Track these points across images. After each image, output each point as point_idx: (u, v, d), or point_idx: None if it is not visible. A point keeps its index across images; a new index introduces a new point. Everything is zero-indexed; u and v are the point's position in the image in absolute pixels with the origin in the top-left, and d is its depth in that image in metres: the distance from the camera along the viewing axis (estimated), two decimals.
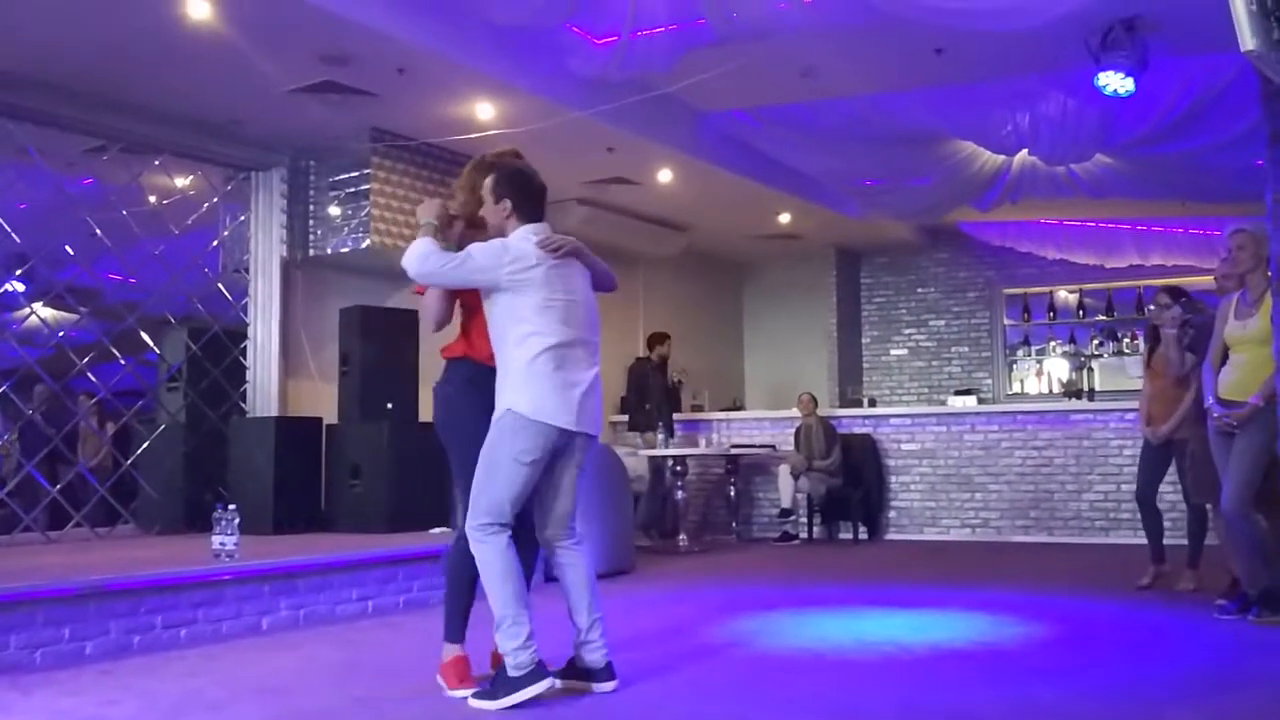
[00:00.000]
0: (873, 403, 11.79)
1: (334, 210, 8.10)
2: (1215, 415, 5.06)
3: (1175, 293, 6.40)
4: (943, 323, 12.88)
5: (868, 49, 7.19)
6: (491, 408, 3.69)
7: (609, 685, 3.72)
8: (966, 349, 12.73)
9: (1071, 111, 7.69)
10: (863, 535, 9.73)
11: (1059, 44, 6.71)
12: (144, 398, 8.21)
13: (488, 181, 3.76)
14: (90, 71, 6.60)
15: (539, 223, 3.76)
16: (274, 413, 7.89)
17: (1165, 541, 6.38)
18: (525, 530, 3.79)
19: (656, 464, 9.62)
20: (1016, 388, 12.49)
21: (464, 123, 7.61)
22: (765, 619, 5.39)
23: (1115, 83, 6.60)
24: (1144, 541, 6.45)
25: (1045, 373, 12.43)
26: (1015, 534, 9.53)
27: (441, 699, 3.73)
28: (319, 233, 8.18)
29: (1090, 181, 9.13)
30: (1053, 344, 12.40)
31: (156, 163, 7.81)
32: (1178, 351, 5.94)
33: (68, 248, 7.77)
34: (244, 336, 8.12)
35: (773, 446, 10.22)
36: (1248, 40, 5.26)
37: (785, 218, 11.05)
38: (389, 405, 7.45)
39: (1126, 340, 11.86)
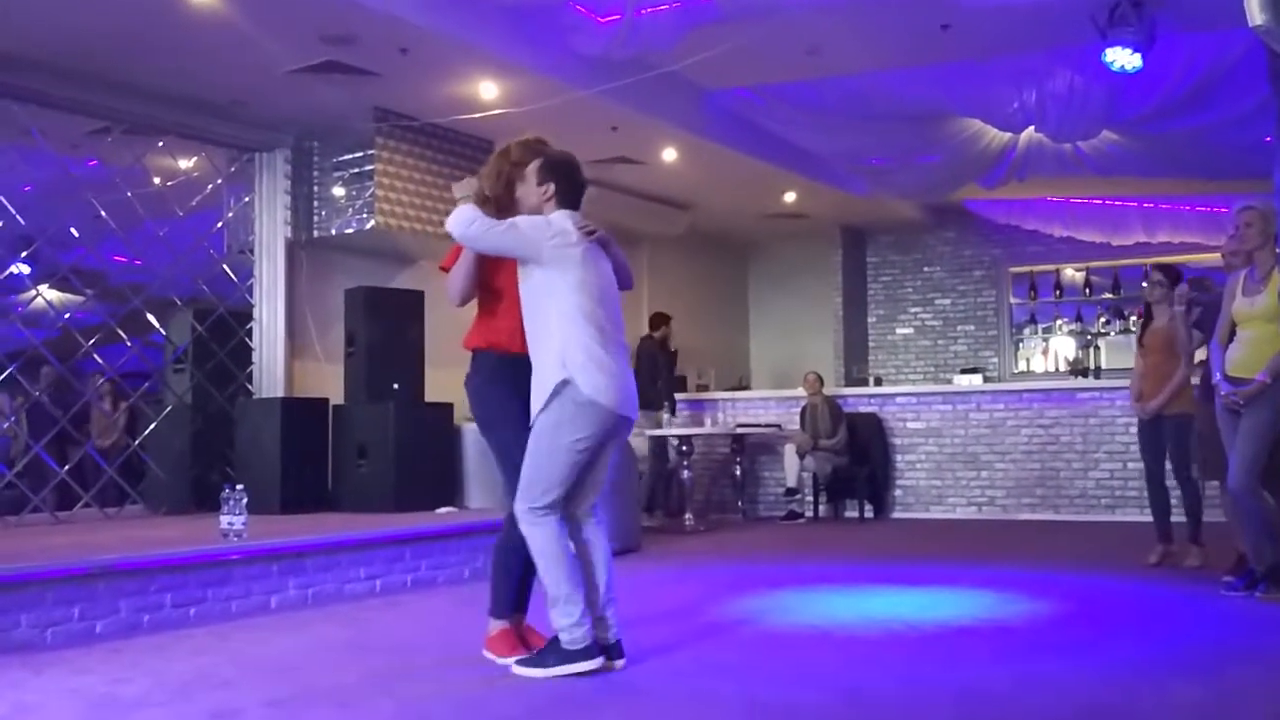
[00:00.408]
0: (878, 381, 11.78)
1: (338, 191, 8.09)
2: (1223, 392, 5.05)
3: (1167, 270, 6.39)
4: (949, 301, 12.85)
5: (874, 26, 7.15)
6: (520, 393, 3.74)
7: (619, 663, 3.75)
8: (972, 328, 12.71)
9: (1078, 88, 7.65)
10: (868, 514, 9.74)
11: (1066, 20, 6.67)
12: (150, 379, 8.22)
13: (535, 164, 3.82)
14: (93, 53, 6.58)
15: (575, 210, 3.83)
16: (280, 394, 7.91)
17: (1172, 520, 6.37)
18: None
19: (657, 443, 9.63)
20: (1022, 366, 12.48)
21: (468, 102, 7.59)
22: (772, 597, 5.40)
23: (1122, 59, 6.56)
24: (1150, 519, 6.45)
25: (1051, 351, 12.41)
26: (1021, 512, 9.54)
27: (450, 675, 3.75)
28: (323, 214, 8.17)
29: (1097, 159, 9.09)
30: (1059, 322, 12.38)
31: (160, 144, 7.81)
32: (1185, 329, 5.94)
33: (72, 230, 7.77)
34: (249, 318, 8.13)
35: (778, 426, 10.22)
36: (1256, 15, 5.23)
37: (790, 196, 11.02)
38: (395, 386, 7.46)
39: (1133, 319, 11.80)
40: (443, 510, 7.05)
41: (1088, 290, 12.25)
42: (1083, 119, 8.07)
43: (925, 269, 12.97)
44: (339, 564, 5.61)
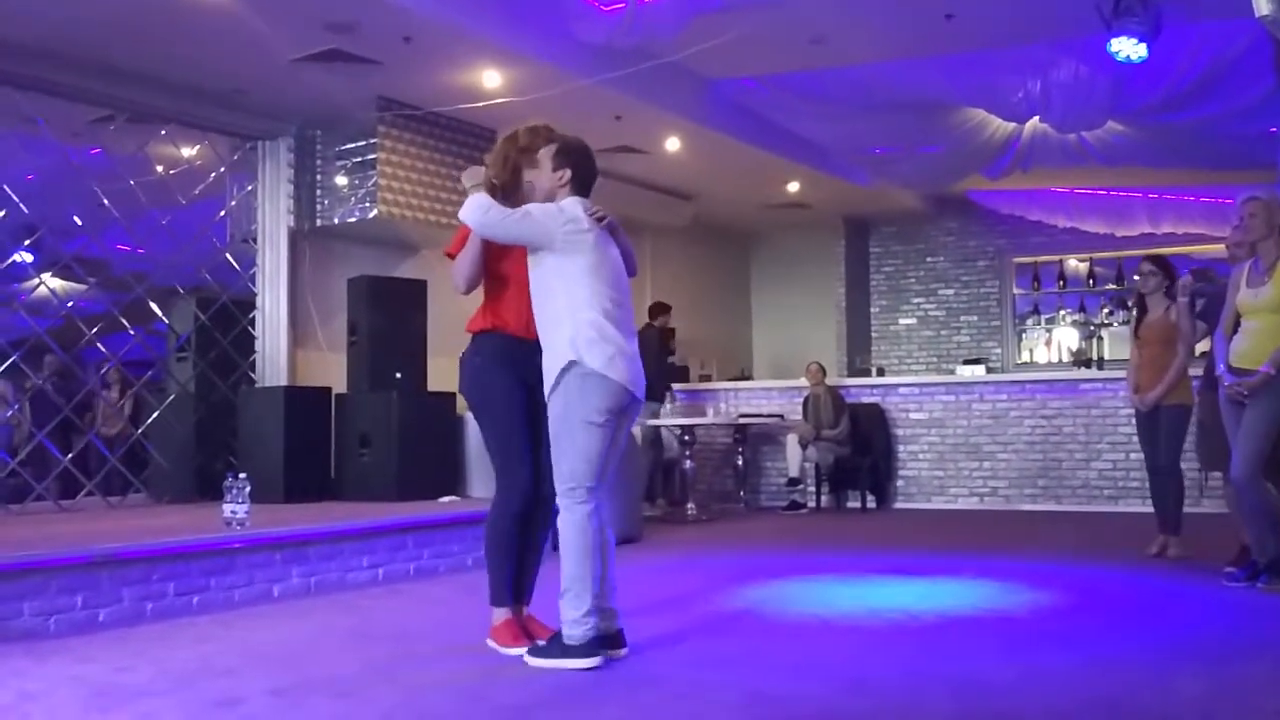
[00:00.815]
0: (881, 372, 11.78)
1: (341, 180, 8.08)
2: (1226, 383, 5.05)
3: (1159, 261, 6.37)
4: (952, 292, 12.84)
5: (878, 15, 7.13)
6: (523, 379, 3.76)
7: (620, 652, 3.76)
8: (975, 318, 12.70)
9: (1083, 78, 7.62)
10: (871, 504, 9.74)
11: (1071, 9, 6.64)
12: (153, 368, 8.22)
13: (551, 148, 3.81)
14: (97, 41, 6.57)
15: (585, 197, 3.84)
16: (283, 382, 7.91)
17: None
18: (542, 503, 3.85)
19: (655, 433, 9.64)
20: (1025, 357, 12.47)
21: (470, 91, 7.58)
22: (774, 587, 5.40)
23: (1128, 49, 6.54)
24: (1152, 509, 6.45)
25: (1054, 342, 12.41)
26: (1023, 503, 9.54)
27: (453, 664, 3.76)
28: (326, 202, 8.17)
29: (1102, 149, 9.07)
30: (1062, 313, 12.36)
31: (163, 132, 7.80)
32: (1189, 320, 5.93)
33: (75, 218, 7.78)
34: (252, 306, 8.14)
35: (781, 416, 10.22)
36: (1262, 5, 5.22)
37: (794, 187, 11.00)
38: (398, 375, 7.47)
39: (1134, 310, 11.79)
40: (445, 499, 7.06)
41: (1091, 281, 12.24)
42: (1088, 109, 8.05)
43: (928, 259, 12.96)
44: (342, 553, 5.61)
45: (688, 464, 9.26)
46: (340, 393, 7.65)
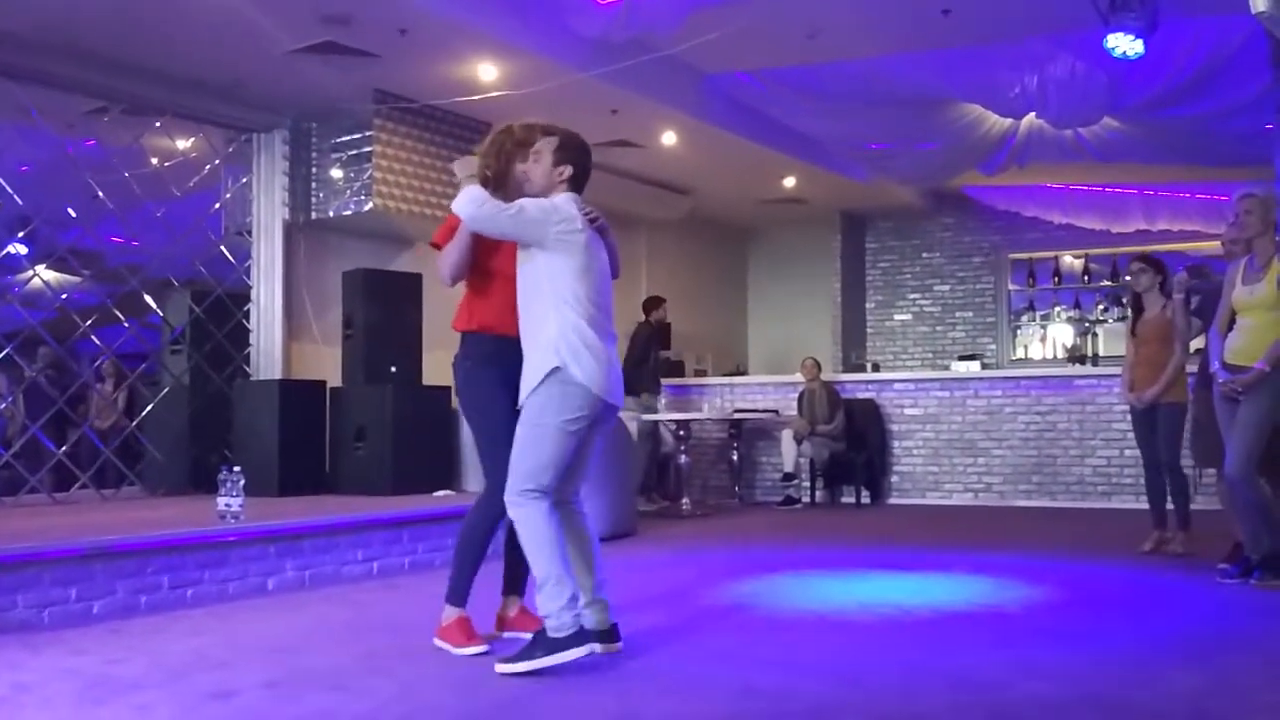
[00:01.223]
0: (876, 368, 11.79)
1: (336, 173, 8.06)
2: (1221, 380, 5.05)
3: (1148, 259, 6.38)
4: (947, 288, 12.85)
5: (874, 10, 7.13)
6: (511, 379, 3.70)
7: (614, 647, 3.75)
8: (971, 314, 12.71)
9: (1080, 74, 7.63)
10: (865, 500, 9.75)
11: (1068, 5, 6.64)
12: (147, 360, 8.20)
13: (552, 143, 3.75)
14: (92, 32, 6.55)
15: (578, 194, 3.81)
16: (278, 376, 7.90)
17: (1168, 507, 6.38)
18: (495, 501, 3.74)
19: (649, 428, 9.63)
20: (1020, 353, 12.48)
21: (466, 84, 7.56)
22: (768, 582, 5.41)
23: (1124, 45, 6.54)
24: (1145, 506, 6.46)
25: (1049, 338, 12.42)
26: (1018, 499, 9.55)
27: (446, 657, 3.75)
28: (321, 195, 8.15)
29: (1098, 145, 9.07)
30: (1057, 309, 12.38)
31: (158, 124, 7.78)
32: (1184, 317, 5.93)
33: (70, 210, 7.75)
34: (247, 299, 8.12)
35: (776, 411, 10.22)
36: (1258, 1, 5.22)
37: (790, 182, 11.00)
38: (392, 368, 7.46)
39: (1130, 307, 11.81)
40: (440, 493, 7.05)
41: (1086, 277, 12.25)
42: (1084, 105, 8.05)
43: (924, 255, 12.96)
44: (336, 546, 5.61)
45: (683, 459, 9.26)
46: (335, 386, 7.64)
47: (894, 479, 10.05)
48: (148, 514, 6.01)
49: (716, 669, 3.59)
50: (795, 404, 9.93)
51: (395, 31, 6.67)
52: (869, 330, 13.12)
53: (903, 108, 8.77)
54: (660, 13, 6.68)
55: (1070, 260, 12.37)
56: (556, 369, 3.58)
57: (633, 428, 8.68)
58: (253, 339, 8.11)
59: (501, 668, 3.53)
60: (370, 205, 7.84)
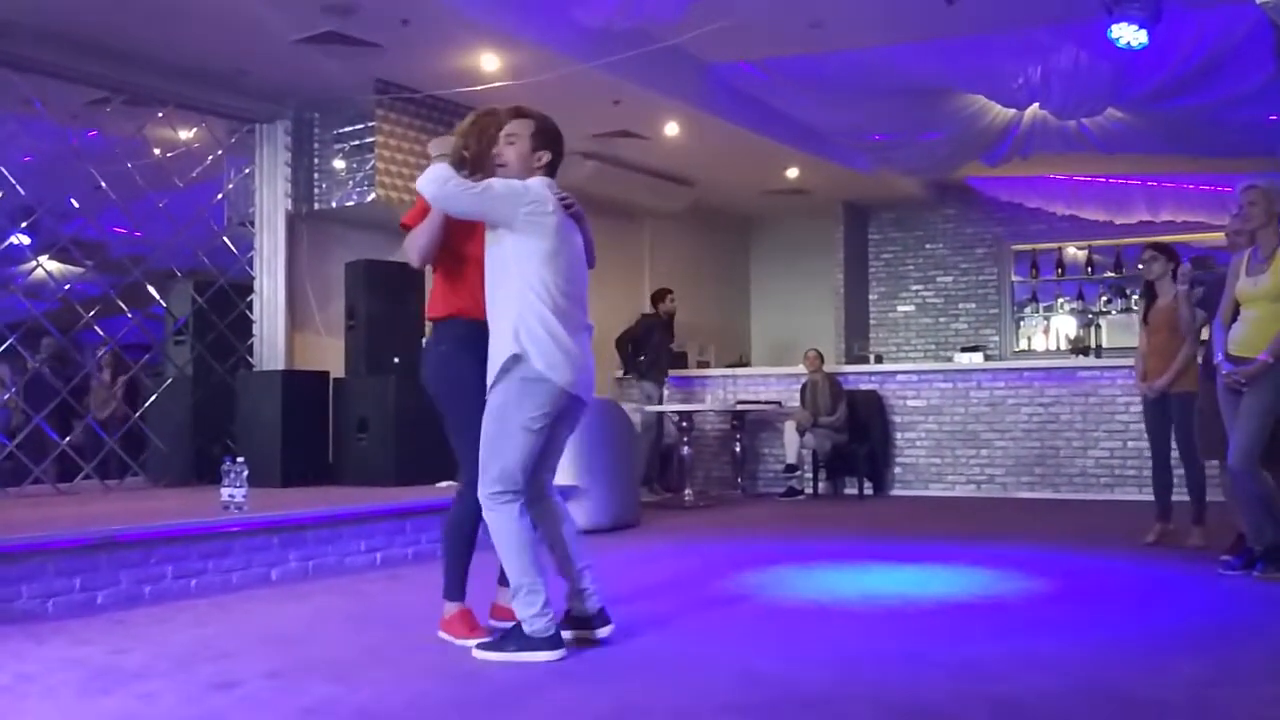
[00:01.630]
0: (879, 359, 11.78)
1: (338, 163, 8.06)
2: (1224, 372, 5.05)
3: (1161, 247, 6.37)
4: (950, 279, 12.83)
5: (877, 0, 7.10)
6: (484, 364, 3.62)
7: (606, 630, 3.74)
8: (974, 305, 12.69)
9: (1083, 64, 7.60)
10: (868, 491, 9.76)
11: None
12: (150, 351, 8.20)
13: (530, 127, 3.66)
14: (94, 22, 6.54)
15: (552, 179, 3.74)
16: (280, 366, 7.91)
17: (1173, 499, 6.37)
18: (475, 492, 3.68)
19: (654, 419, 9.64)
20: (1023, 344, 12.47)
21: (469, 74, 7.55)
22: (771, 572, 5.42)
23: (1128, 35, 6.52)
24: (1148, 498, 6.45)
25: (1052, 329, 12.40)
26: (1020, 490, 9.56)
27: (450, 648, 3.76)
28: (324, 186, 8.14)
29: (1101, 136, 9.05)
30: (1060, 301, 12.36)
31: (160, 115, 7.77)
32: (1188, 308, 5.92)
33: (73, 200, 7.76)
34: (250, 290, 8.13)
35: (778, 402, 10.23)
36: None
37: (793, 172, 10.98)
38: (395, 359, 7.47)
39: (1135, 298, 11.78)
40: (443, 484, 7.05)
41: (1089, 269, 12.22)
42: (1088, 96, 8.03)
43: (927, 246, 12.94)
44: (340, 537, 5.62)
45: (685, 450, 9.27)
46: (338, 377, 7.64)
47: (897, 470, 10.05)
48: (151, 504, 6.02)
49: (719, 658, 3.60)
50: (798, 395, 9.93)
51: (398, 22, 6.66)
52: (872, 321, 13.11)
53: (906, 98, 8.74)
54: (663, 2, 6.66)
55: (1073, 251, 12.34)
56: (516, 357, 3.51)
57: (636, 419, 8.69)
58: (255, 330, 8.11)
59: (478, 653, 3.60)
60: (373, 196, 7.83)
